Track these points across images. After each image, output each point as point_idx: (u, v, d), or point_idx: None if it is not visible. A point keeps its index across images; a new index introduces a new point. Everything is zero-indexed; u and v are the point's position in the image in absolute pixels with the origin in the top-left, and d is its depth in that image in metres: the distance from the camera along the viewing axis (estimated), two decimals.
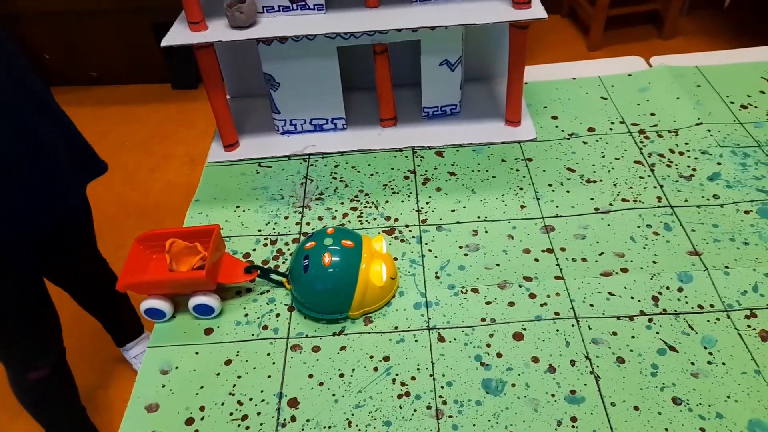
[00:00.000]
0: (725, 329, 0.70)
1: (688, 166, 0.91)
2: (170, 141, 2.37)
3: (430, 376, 0.68)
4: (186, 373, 0.71)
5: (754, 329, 0.69)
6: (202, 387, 0.69)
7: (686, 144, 0.94)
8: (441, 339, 0.71)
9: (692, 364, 0.67)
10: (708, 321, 0.71)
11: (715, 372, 0.66)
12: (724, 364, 0.67)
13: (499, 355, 0.69)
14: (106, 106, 2.56)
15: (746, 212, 0.83)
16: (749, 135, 0.95)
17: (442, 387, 0.67)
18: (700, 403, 0.63)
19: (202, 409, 0.67)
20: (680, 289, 0.74)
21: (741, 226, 0.81)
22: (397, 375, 0.68)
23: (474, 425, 0.63)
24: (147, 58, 2.52)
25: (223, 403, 0.67)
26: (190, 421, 0.66)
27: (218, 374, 0.70)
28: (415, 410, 0.65)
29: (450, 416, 0.64)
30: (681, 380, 0.65)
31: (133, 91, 2.61)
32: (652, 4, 2.55)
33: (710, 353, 0.68)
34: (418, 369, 0.69)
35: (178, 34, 0.88)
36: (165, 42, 0.88)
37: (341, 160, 0.98)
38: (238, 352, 0.72)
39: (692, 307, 0.72)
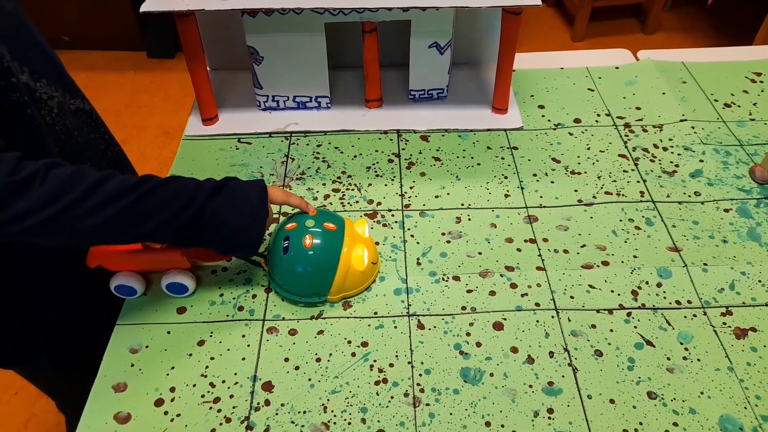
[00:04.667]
0: (701, 326, 0.70)
1: (671, 162, 0.91)
2: (144, 112, 2.29)
3: (409, 363, 0.67)
4: (156, 352, 0.68)
5: (729, 326, 0.70)
6: (173, 367, 0.67)
7: (670, 140, 0.95)
8: (420, 326, 0.71)
9: (668, 359, 0.67)
10: (685, 317, 0.71)
11: (690, 368, 0.67)
12: (698, 360, 0.67)
13: (478, 344, 0.69)
14: (76, 72, 2.42)
15: (726, 210, 0.84)
16: (732, 134, 0.96)
17: (420, 375, 0.66)
18: (675, 398, 0.64)
19: (172, 390, 0.65)
20: (659, 285, 0.75)
21: (720, 224, 0.82)
22: (374, 361, 0.67)
23: (451, 414, 0.63)
24: (121, 23, 2.42)
25: (194, 385, 0.65)
26: (159, 402, 0.64)
27: (190, 355, 0.68)
28: (392, 397, 0.64)
29: (427, 404, 0.64)
30: (656, 375, 0.66)
31: (106, 58, 2.51)
32: None
33: (686, 349, 0.68)
34: (396, 356, 0.68)
35: (158, 1, 0.84)
36: (144, 8, 0.84)
37: (324, 139, 0.96)
38: (211, 332, 0.70)
39: (670, 303, 0.73)
